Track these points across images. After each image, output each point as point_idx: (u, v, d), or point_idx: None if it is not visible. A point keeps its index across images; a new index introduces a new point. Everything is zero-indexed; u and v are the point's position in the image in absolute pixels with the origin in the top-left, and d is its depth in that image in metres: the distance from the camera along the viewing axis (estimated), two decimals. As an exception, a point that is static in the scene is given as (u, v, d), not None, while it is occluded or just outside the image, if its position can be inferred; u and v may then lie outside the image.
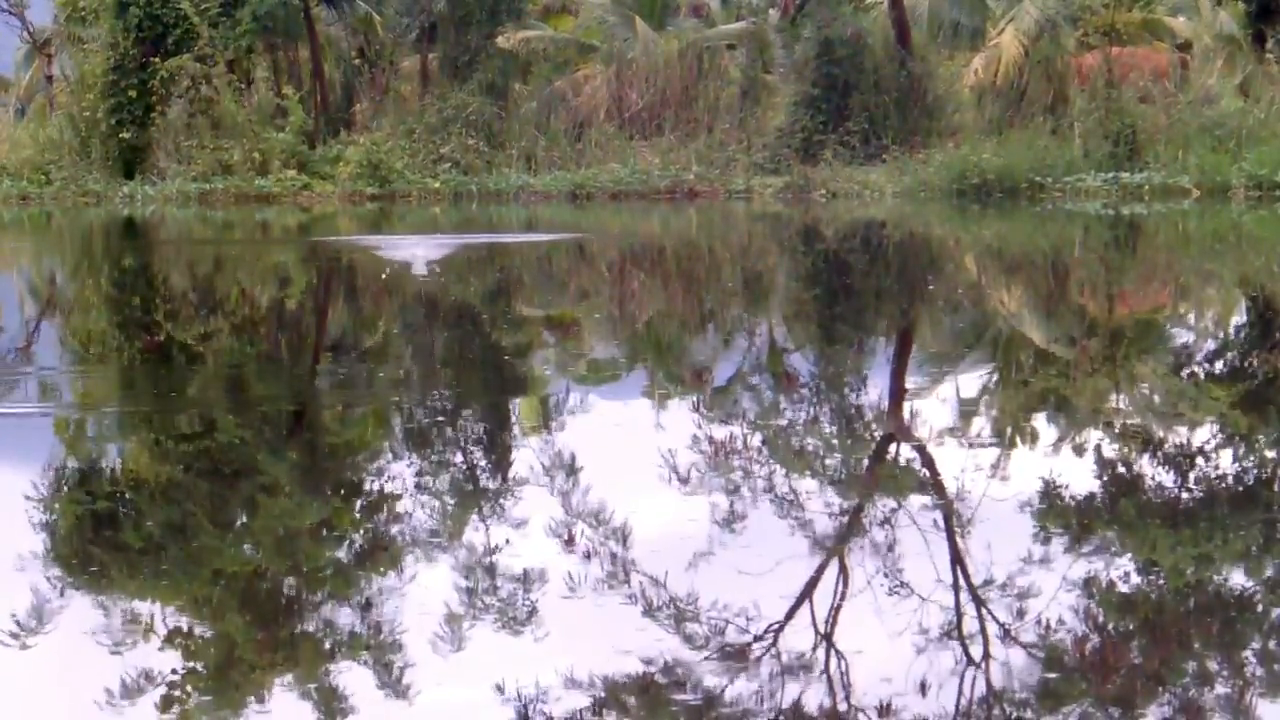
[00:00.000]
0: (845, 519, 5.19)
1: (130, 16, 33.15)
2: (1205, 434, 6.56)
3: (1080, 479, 5.60)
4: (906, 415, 7.30)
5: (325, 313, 12.79)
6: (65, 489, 5.89)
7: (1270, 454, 6.24)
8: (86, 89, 34.23)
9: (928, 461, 6.17)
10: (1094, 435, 6.55)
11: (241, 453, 6.49)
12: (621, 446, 6.68)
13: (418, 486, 5.79)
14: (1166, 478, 5.76)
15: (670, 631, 3.95)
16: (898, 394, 8.05)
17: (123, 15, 33.25)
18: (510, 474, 6.03)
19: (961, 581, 4.34)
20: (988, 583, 4.31)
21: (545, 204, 30.67)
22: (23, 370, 9.45)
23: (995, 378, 8.65)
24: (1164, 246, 19.00)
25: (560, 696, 3.51)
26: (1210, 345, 9.77)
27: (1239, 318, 11.52)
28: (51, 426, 7.32)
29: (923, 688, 3.50)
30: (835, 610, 4.12)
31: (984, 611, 4.06)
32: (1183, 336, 10.26)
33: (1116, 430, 6.71)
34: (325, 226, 25.32)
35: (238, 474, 6.04)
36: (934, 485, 5.67)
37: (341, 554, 4.96)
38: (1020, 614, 4.04)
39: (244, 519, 5.44)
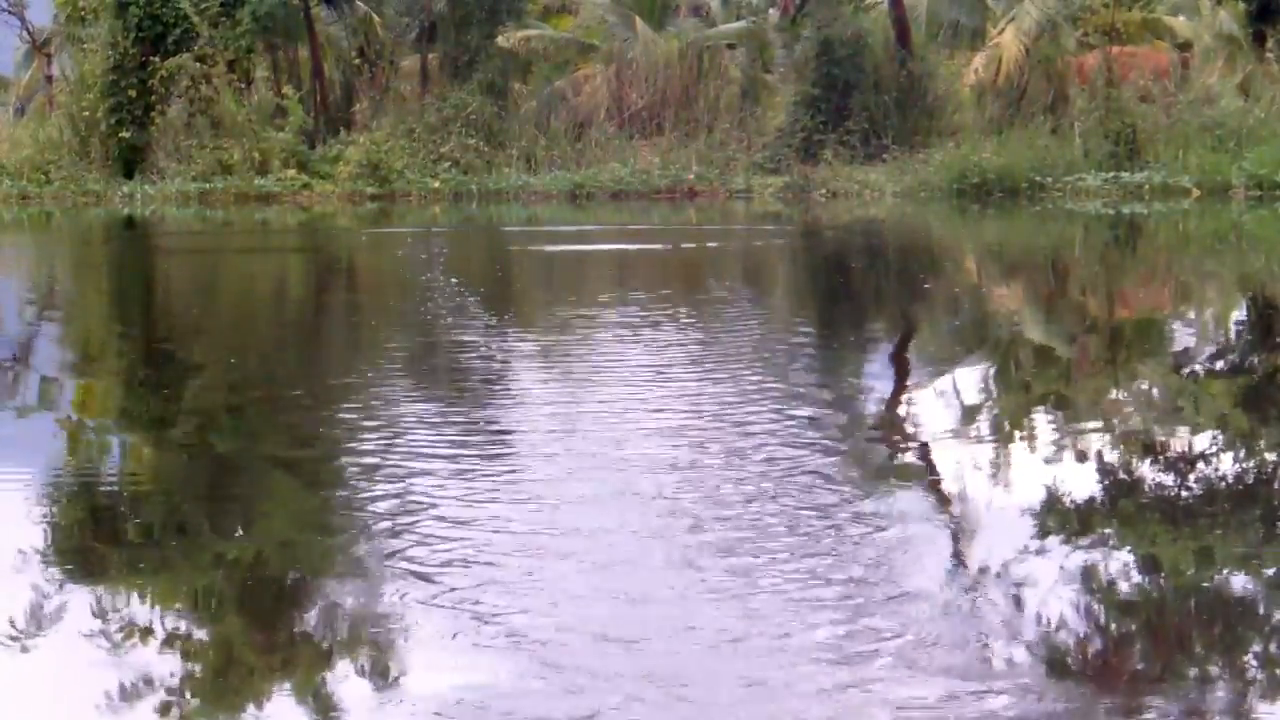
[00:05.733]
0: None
1: (130, 16, 33.15)
2: (1204, 434, 6.55)
3: (1079, 478, 5.59)
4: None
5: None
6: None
7: (1271, 455, 6.23)
8: (86, 89, 34.21)
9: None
10: (1093, 434, 6.54)
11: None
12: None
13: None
14: (1166, 477, 5.75)
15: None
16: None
17: (123, 15, 33.25)
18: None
19: (961, 581, 4.34)
20: (986, 582, 4.30)
21: (545, 203, 30.65)
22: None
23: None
24: (1164, 246, 18.99)
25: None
26: (1210, 345, 9.76)
27: (1239, 316, 11.51)
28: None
29: (922, 686, 3.50)
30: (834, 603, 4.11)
31: (983, 611, 4.06)
32: (1182, 336, 10.25)
33: (1115, 430, 6.70)
34: (328, 225, 25.32)
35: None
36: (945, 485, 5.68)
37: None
38: (1019, 613, 4.03)
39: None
